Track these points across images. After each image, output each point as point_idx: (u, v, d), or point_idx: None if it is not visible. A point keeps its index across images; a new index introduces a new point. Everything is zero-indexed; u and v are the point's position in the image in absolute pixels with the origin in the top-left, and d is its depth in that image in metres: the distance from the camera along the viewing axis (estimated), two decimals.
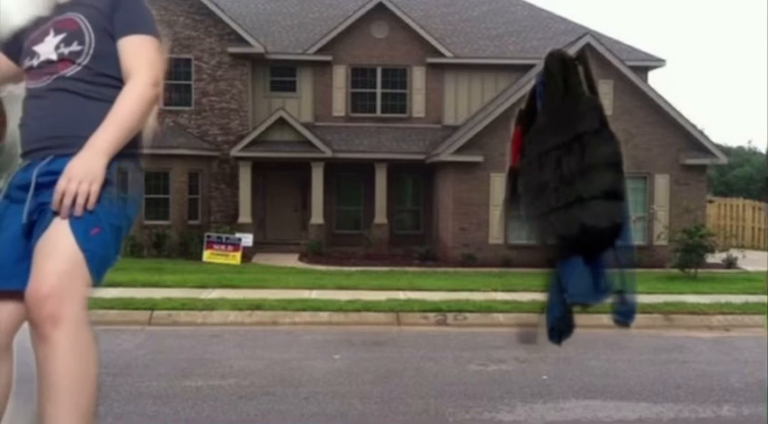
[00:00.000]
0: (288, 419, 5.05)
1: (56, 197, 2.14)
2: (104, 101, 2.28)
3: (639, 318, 9.68)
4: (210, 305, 10.02)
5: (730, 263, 17.34)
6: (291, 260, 18.13)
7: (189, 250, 18.60)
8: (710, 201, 23.93)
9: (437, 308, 10.01)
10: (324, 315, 9.77)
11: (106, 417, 5.03)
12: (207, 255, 17.56)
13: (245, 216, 20.10)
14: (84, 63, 2.31)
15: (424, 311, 9.91)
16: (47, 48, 2.33)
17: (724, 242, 17.65)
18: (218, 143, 20.99)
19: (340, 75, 22.11)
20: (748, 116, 78.14)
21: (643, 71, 21.15)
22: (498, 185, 18.49)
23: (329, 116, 21.94)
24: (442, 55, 21.86)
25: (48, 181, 2.21)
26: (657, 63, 22.10)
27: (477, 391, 5.84)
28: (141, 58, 2.35)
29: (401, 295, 11.45)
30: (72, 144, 2.22)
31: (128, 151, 2.30)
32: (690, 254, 15.18)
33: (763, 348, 7.65)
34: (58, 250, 2.14)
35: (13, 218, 2.26)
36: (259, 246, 19.31)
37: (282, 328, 9.23)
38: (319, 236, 19.91)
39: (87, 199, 2.15)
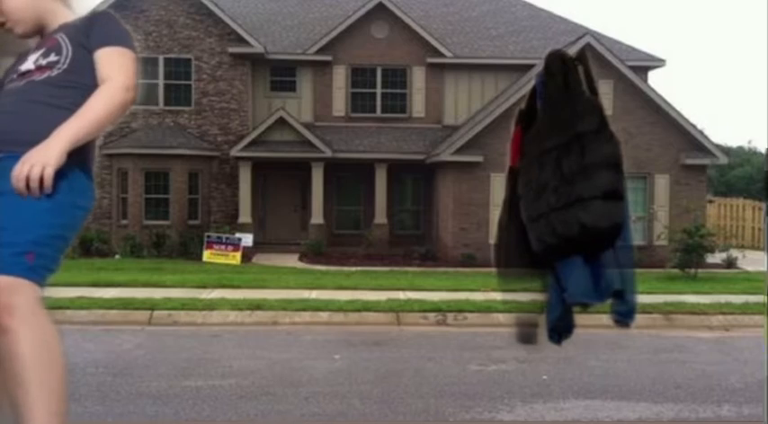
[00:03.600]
0: (288, 419, 5.05)
1: (12, 181, 2.18)
2: (63, 109, 2.33)
3: (639, 318, 9.69)
4: (210, 305, 10.02)
5: (730, 263, 17.33)
6: (291, 260, 18.12)
7: (189, 250, 18.59)
8: (710, 201, 23.93)
9: (437, 308, 10.01)
10: (324, 315, 9.77)
11: (106, 417, 5.03)
12: (207, 255, 17.56)
13: (245, 216, 20.09)
14: (59, 71, 2.41)
15: (424, 311, 9.91)
16: (27, 64, 2.46)
17: (724, 243, 17.65)
18: (218, 143, 20.98)
19: (340, 75, 22.11)
20: (748, 116, 78.16)
21: (643, 71, 21.14)
22: (498, 185, 18.49)
23: (329, 116, 21.94)
24: (442, 55, 21.86)
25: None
26: (657, 63, 22.10)
27: (477, 391, 5.84)
28: (114, 65, 2.41)
29: (401, 295, 11.45)
30: (20, 145, 2.25)
31: (78, 158, 2.32)
32: (690, 254, 15.17)
33: (762, 348, 7.65)
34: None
35: None
36: (259, 246, 19.31)
37: (282, 328, 9.23)
38: (319, 236, 19.91)
39: (42, 184, 2.19)
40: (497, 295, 12.37)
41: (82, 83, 2.40)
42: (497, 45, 22.75)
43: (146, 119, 20.79)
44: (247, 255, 17.91)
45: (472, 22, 23.93)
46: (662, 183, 18.87)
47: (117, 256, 18.67)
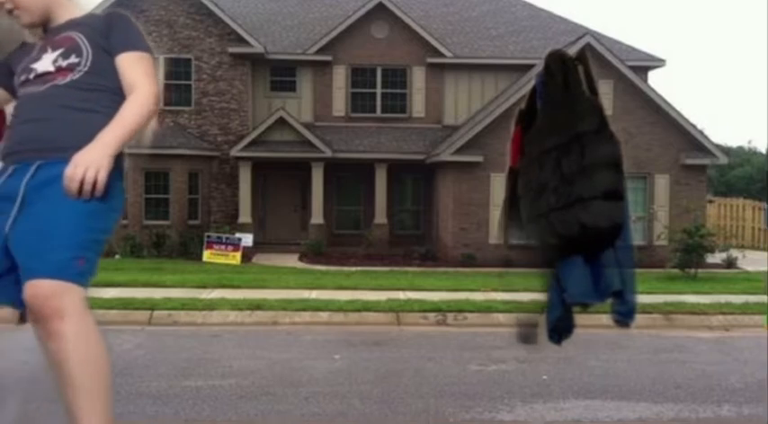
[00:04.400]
0: (288, 419, 5.05)
1: (64, 182, 2.18)
2: (95, 112, 2.36)
3: (639, 318, 9.68)
4: (210, 305, 10.02)
5: (730, 263, 17.33)
6: (291, 260, 18.12)
7: (189, 250, 18.60)
8: (710, 201, 23.93)
9: (437, 308, 10.01)
10: (324, 315, 9.76)
11: None
12: (207, 255, 17.56)
13: (245, 216, 20.09)
14: (81, 73, 2.39)
15: (424, 311, 9.90)
16: (44, 63, 2.42)
17: (724, 243, 17.65)
18: (218, 143, 20.99)
19: (340, 75, 22.11)
20: (748, 116, 78.20)
21: (643, 71, 21.14)
22: (498, 185, 18.49)
23: (329, 116, 21.94)
24: (442, 55, 21.86)
25: (35, 193, 2.26)
26: (657, 63, 22.10)
27: (477, 391, 5.83)
28: (142, 72, 2.43)
29: (401, 295, 11.45)
30: (61, 150, 2.27)
31: (114, 162, 2.34)
32: (690, 254, 15.17)
33: (762, 348, 7.65)
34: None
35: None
36: (259, 246, 19.31)
37: (282, 328, 9.23)
38: (319, 236, 19.91)
39: (95, 187, 2.21)
40: (497, 295, 12.42)
41: (106, 85, 2.41)
42: (497, 45, 22.75)
43: None
44: (247, 255, 17.91)
45: (472, 22, 23.93)
46: (662, 183, 18.87)
47: (117, 256, 18.66)
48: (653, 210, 18.40)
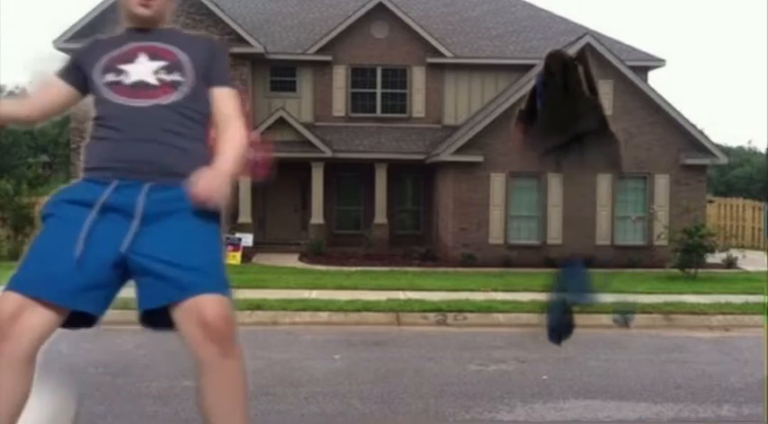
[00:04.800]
0: (288, 419, 5.05)
1: (194, 198, 2.17)
2: (200, 142, 2.37)
3: (639, 318, 9.74)
4: None
5: (730, 263, 17.33)
6: (291, 260, 18.12)
7: None
8: (710, 201, 23.92)
9: (437, 308, 10.01)
10: (324, 315, 9.77)
11: (106, 417, 5.03)
12: None
13: (245, 216, 20.09)
14: (183, 95, 2.35)
15: (424, 311, 9.90)
16: (142, 70, 2.34)
17: (724, 242, 17.63)
18: None
19: (340, 75, 22.10)
20: (748, 116, 78.19)
21: (643, 71, 21.13)
22: (498, 185, 18.50)
23: (329, 116, 21.94)
24: (442, 55, 21.85)
25: (158, 211, 2.22)
26: (657, 63, 22.09)
27: (477, 391, 5.84)
28: (234, 107, 2.47)
29: (401, 295, 11.45)
30: (172, 175, 2.24)
31: None
32: (690, 254, 15.16)
33: (762, 348, 7.65)
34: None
35: (106, 240, 2.21)
36: (259, 246, 19.30)
37: (282, 328, 9.23)
38: (319, 236, 19.91)
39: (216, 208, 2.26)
40: (497, 295, 12.38)
41: (202, 113, 2.40)
42: (497, 45, 22.75)
43: None
44: (247, 255, 17.91)
45: (472, 22, 23.92)
46: (662, 183, 18.86)
47: None
48: (653, 210, 18.39)
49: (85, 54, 2.43)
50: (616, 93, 18.68)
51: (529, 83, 17.84)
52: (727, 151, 25.23)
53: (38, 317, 2.18)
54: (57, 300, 2.20)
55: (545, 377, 6.33)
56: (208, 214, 2.23)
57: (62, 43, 20.73)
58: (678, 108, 18.83)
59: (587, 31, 20.36)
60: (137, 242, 2.21)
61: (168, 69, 2.35)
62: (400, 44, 22.03)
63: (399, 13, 21.96)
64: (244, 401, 2.30)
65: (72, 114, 16.75)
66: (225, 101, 2.45)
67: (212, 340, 2.21)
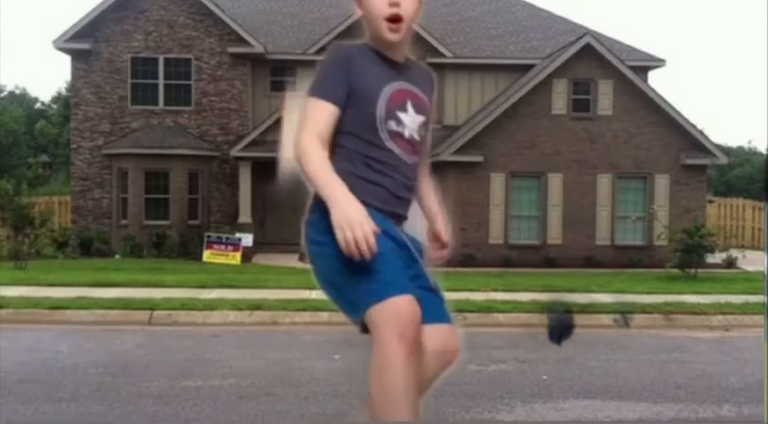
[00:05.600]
0: (288, 419, 5.05)
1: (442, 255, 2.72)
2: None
3: (639, 318, 9.74)
4: (210, 305, 10.01)
5: (730, 263, 17.32)
6: (291, 260, 18.09)
7: (189, 250, 18.60)
8: (710, 201, 23.91)
9: None
10: (324, 315, 9.75)
11: (106, 417, 5.03)
12: (207, 255, 17.56)
13: (245, 216, 20.09)
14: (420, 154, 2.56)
15: None
16: (411, 124, 2.46)
17: (724, 242, 17.62)
18: (218, 143, 20.98)
19: None
20: (748, 116, 78.25)
21: (643, 71, 21.14)
22: (498, 185, 18.50)
23: None
24: (442, 55, 21.85)
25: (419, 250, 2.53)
26: (657, 63, 22.10)
27: (477, 391, 5.83)
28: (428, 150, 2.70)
29: None
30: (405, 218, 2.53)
31: None
32: (690, 254, 15.16)
33: (763, 348, 7.64)
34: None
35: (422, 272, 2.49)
36: (259, 246, 19.30)
37: (282, 328, 9.23)
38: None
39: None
40: (497, 295, 12.39)
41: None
42: (497, 45, 22.75)
43: (146, 119, 20.79)
44: (247, 255, 17.91)
45: (472, 22, 23.92)
46: (662, 183, 18.86)
47: (117, 256, 18.67)
48: (653, 210, 18.39)
49: (357, 77, 2.40)
50: (616, 93, 18.68)
51: (529, 82, 17.91)
52: (727, 151, 25.23)
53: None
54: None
55: (545, 377, 6.32)
56: None
57: (62, 43, 20.75)
58: (678, 108, 18.85)
59: (587, 31, 20.36)
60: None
61: (425, 126, 2.53)
62: None
63: None
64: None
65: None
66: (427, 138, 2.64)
67: (448, 359, 2.56)
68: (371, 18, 2.40)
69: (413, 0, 2.43)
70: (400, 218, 2.47)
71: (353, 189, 2.29)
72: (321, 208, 2.31)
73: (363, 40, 2.49)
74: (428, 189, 2.68)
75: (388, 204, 2.41)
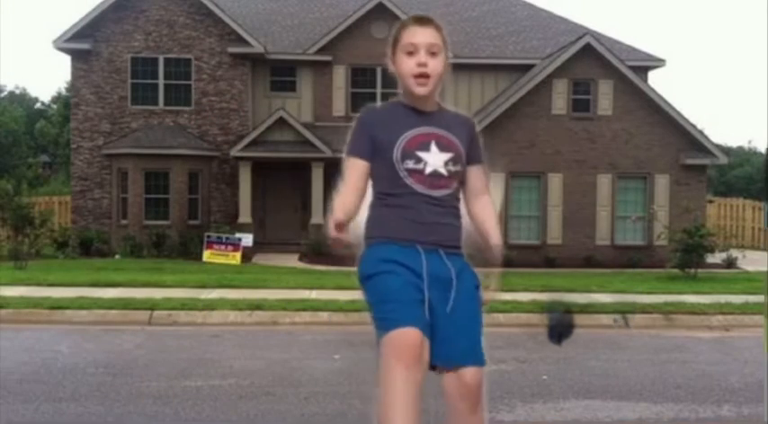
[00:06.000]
0: (288, 419, 5.05)
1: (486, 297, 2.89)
2: (459, 215, 2.84)
3: (639, 318, 9.74)
4: (210, 305, 10.02)
5: (730, 263, 17.32)
6: (291, 260, 18.12)
7: (189, 250, 18.59)
8: (710, 201, 23.92)
9: None
10: (324, 315, 9.76)
11: (106, 417, 5.03)
12: (207, 255, 17.56)
13: (245, 216, 20.09)
14: (457, 185, 2.81)
15: None
16: (435, 161, 2.72)
17: (724, 242, 17.62)
18: (218, 143, 20.98)
19: (340, 75, 22.11)
20: (748, 116, 78.25)
21: (643, 71, 21.14)
22: (498, 185, 18.49)
23: (329, 116, 21.94)
24: None
25: (459, 276, 2.73)
26: (657, 63, 22.09)
27: None
28: (486, 182, 2.96)
29: None
30: (455, 248, 2.77)
31: None
32: (690, 254, 15.16)
33: (763, 348, 7.64)
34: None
35: (436, 303, 2.67)
36: (259, 246, 19.30)
37: (282, 328, 9.23)
38: (319, 236, 19.88)
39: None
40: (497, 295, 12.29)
41: (460, 193, 2.85)
42: (497, 45, 22.75)
43: (146, 119, 20.79)
44: (247, 255, 17.91)
45: (472, 22, 23.92)
46: (662, 183, 18.86)
47: (117, 256, 18.67)
48: (653, 210, 18.39)
49: (378, 130, 2.77)
50: (616, 93, 18.69)
51: (529, 82, 17.86)
52: (727, 151, 25.23)
53: (427, 352, 2.60)
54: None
55: (545, 377, 6.33)
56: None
57: (62, 43, 20.75)
58: (678, 108, 18.85)
59: (587, 31, 20.36)
60: (453, 310, 2.69)
61: (454, 161, 2.76)
62: None
63: (399, 13, 21.92)
64: None
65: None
66: (479, 175, 2.93)
67: (464, 398, 2.70)
68: (403, 76, 2.80)
69: (439, 60, 2.79)
70: (441, 244, 2.71)
71: (374, 223, 2.76)
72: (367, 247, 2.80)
73: (397, 98, 2.88)
74: (482, 209, 2.92)
75: (408, 233, 2.69)
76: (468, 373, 2.64)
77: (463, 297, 2.70)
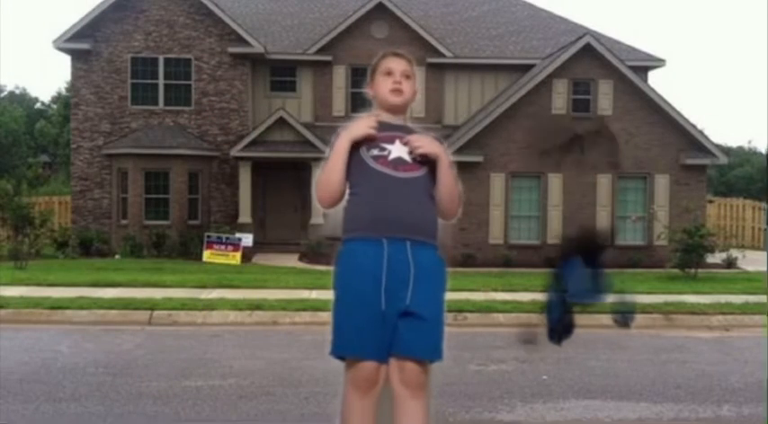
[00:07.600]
0: (288, 419, 5.06)
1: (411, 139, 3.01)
2: (433, 198, 2.98)
3: (639, 318, 9.73)
4: (210, 305, 10.02)
5: (730, 263, 17.32)
6: (291, 260, 18.12)
7: (189, 250, 18.59)
8: (710, 201, 23.92)
9: None
10: (324, 315, 9.75)
11: (106, 417, 5.03)
12: (207, 255, 17.56)
13: (245, 216, 20.09)
14: (425, 172, 2.99)
15: None
16: (398, 151, 2.99)
17: (724, 242, 17.62)
18: (218, 143, 20.98)
19: (340, 75, 22.10)
20: (748, 116, 78.26)
21: (643, 71, 21.13)
22: (498, 185, 18.50)
23: (329, 116, 21.93)
24: (442, 55, 21.85)
25: (419, 275, 2.87)
26: (657, 63, 22.09)
27: (477, 391, 5.84)
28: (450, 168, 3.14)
29: None
30: (425, 234, 2.92)
31: None
32: (690, 254, 15.16)
33: (763, 348, 7.65)
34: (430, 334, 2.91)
35: (395, 298, 2.83)
36: (259, 246, 19.30)
37: (282, 328, 9.24)
38: (319, 236, 19.90)
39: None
40: (497, 295, 12.37)
41: (431, 184, 3.00)
42: (497, 45, 22.75)
43: (146, 119, 20.79)
44: (247, 255, 17.91)
45: (472, 22, 23.92)
46: (662, 183, 18.86)
47: (117, 256, 18.66)
48: (653, 210, 18.39)
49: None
50: (616, 93, 18.67)
51: (529, 82, 17.80)
52: (727, 151, 25.23)
53: (383, 374, 2.86)
54: (382, 360, 2.85)
55: (545, 377, 6.33)
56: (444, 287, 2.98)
57: (62, 43, 20.75)
58: (678, 108, 18.83)
59: (587, 31, 20.35)
60: (413, 300, 2.84)
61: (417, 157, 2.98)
62: (400, 44, 21.97)
63: (399, 13, 21.97)
64: None
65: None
66: (445, 169, 3.10)
67: (404, 383, 2.84)
68: (380, 94, 3.19)
69: (411, 84, 3.22)
70: (409, 236, 2.87)
71: (348, 217, 2.95)
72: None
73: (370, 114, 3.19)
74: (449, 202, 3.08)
75: (377, 228, 2.86)
76: (409, 364, 2.82)
77: (420, 295, 2.84)
